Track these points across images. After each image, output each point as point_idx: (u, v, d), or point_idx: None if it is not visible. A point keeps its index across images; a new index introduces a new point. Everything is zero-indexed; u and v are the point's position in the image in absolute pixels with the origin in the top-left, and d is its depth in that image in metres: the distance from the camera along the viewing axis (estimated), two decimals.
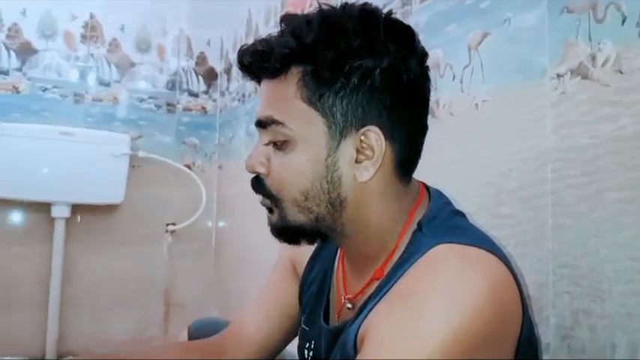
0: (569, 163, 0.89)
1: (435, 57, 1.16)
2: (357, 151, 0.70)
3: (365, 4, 0.73)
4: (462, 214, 0.77)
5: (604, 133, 0.83)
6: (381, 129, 0.69)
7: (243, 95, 2.38)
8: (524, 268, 0.94)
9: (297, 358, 0.90)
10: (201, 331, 1.02)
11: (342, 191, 0.70)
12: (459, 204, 0.82)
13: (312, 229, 0.73)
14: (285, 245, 0.81)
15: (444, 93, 1.16)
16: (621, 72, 0.81)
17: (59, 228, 2.30)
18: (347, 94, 0.68)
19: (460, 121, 1.12)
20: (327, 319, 0.83)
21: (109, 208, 2.41)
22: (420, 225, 0.72)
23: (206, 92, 2.67)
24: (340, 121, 0.69)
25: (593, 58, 0.85)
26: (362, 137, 0.69)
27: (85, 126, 2.37)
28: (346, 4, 0.73)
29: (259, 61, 0.71)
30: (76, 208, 2.32)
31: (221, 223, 2.60)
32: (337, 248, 0.87)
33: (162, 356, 0.94)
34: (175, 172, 2.51)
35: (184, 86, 2.63)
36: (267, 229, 0.79)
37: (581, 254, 0.86)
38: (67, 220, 2.31)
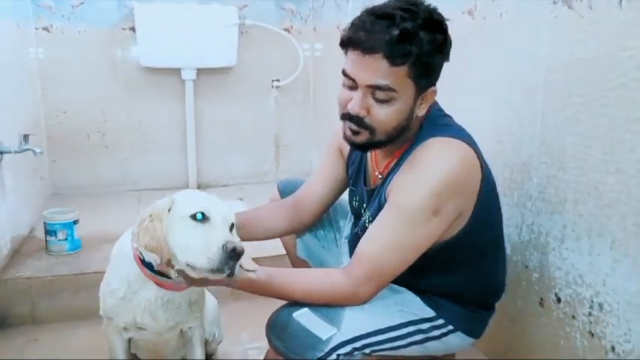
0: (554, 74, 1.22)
1: None
2: (422, 99, 1.10)
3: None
4: (448, 116, 1.17)
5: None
6: (434, 85, 1.10)
7: None
8: (521, 142, 1.33)
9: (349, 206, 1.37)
10: (287, 186, 1.50)
11: (409, 122, 1.11)
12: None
13: (381, 143, 1.13)
14: (336, 136, 1.31)
15: None
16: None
17: (189, 87, 2.86)
18: (431, 74, 1.07)
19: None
20: (365, 184, 1.28)
21: (225, 70, 2.92)
22: (421, 125, 1.14)
23: None
24: (424, 88, 1.08)
25: None
26: (430, 93, 1.10)
27: (199, 1, 2.78)
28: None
29: (389, 46, 1.01)
30: (199, 71, 2.85)
31: (317, 78, 3.03)
32: None
33: (269, 217, 1.41)
34: (277, 35, 2.91)
35: None
36: None
37: (557, 137, 1.23)
38: (194, 82, 2.85)
